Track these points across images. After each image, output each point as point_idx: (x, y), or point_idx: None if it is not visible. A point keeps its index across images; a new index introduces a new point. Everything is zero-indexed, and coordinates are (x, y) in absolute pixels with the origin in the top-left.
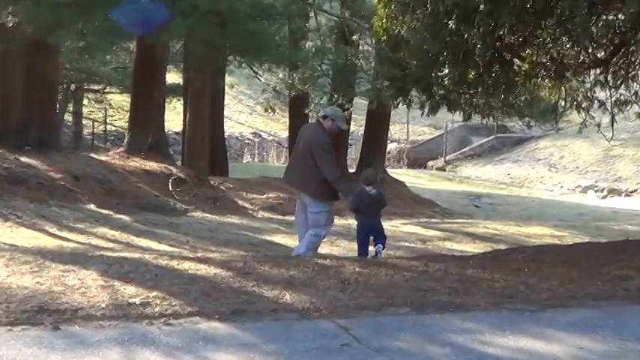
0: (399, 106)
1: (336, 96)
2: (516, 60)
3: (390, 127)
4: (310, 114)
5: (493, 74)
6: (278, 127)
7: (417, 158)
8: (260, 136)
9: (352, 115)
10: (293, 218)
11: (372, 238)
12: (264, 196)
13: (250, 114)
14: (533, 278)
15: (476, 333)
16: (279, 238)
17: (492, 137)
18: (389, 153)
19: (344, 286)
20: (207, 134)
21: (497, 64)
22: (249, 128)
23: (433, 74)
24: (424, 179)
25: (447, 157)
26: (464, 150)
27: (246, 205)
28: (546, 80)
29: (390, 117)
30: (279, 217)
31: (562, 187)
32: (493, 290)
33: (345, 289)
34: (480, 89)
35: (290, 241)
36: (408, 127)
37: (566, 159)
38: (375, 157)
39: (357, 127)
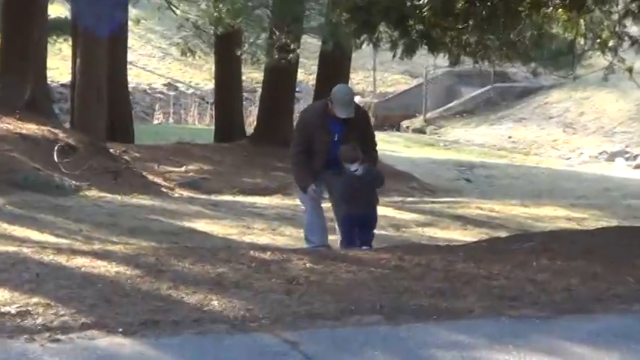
0: (363, 46)
1: (277, 33)
2: None
3: (352, 76)
4: (244, 58)
5: (489, 3)
6: (200, 76)
7: (388, 116)
8: (176, 88)
9: (300, 60)
10: (220, 197)
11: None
12: (183, 168)
13: (163, 59)
14: (543, 274)
15: (468, 348)
16: (203, 225)
17: (488, 88)
18: None
19: (291, 287)
20: (105, 86)
21: None
22: (162, 78)
23: (408, 2)
24: (397, 145)
25: (428, 115)
26: (450, 105)
27: (159, 180)
28: (560, 11)
29: (350, 62)
30: (203, 196)
31: (581, 153)
32: (490, 291)
33: (293, 292)
34: (471, 23)
35: (218, 228)
36: (375, 75)
37: (586, 116)
38: None
39: (307, 75)
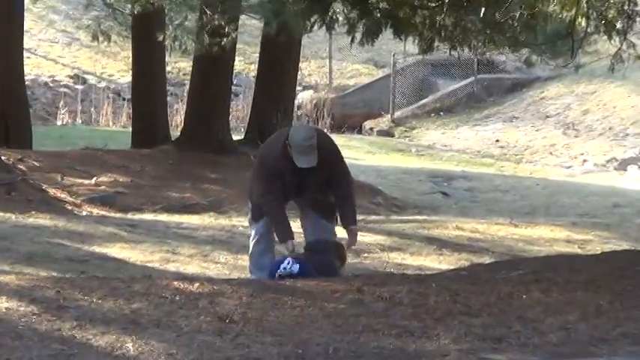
0: (314, 29)
1: (209, 14)
2: None
3: (303, 66)
4: (167, 44)
5: None
6: (115, 66)
7: (348, 115)
8: (85, 81)
9: (237, 46)
10: (139, 215)
11: None
12: (93, 180)
13: (69, 45)
14: (535, 309)
15: None
16: (117, 250)
17: (471, 80)
18: (299, 108)
19: (223, 326)
20: None
21: None
22: (67, 68)
23: None
24: (359, 150)
25: (397, 114)
26: (424, 101)
27: (63, 195)
28: None
29: (300, 48)
30: (118, 214)
31: (585, 161)
32: (469, 330)
33: (226, 332)
34: (446, 1)
35: (135, 253)
36: (332, 64)
37: (591, 115)
38: (274, 115)
39: (246, 64)
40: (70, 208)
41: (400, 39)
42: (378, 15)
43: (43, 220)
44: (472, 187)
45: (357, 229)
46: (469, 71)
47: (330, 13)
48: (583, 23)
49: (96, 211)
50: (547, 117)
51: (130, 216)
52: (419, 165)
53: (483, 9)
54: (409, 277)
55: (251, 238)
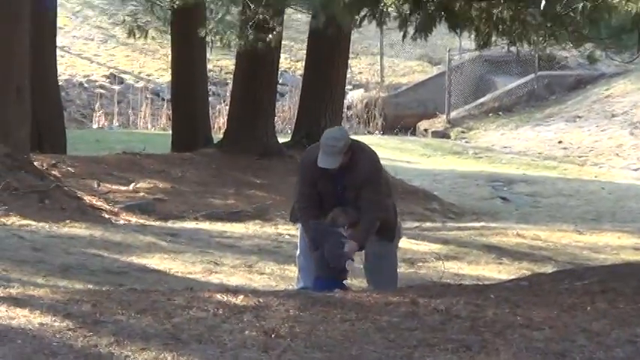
0: (363, 24)
1: (252, 7)
2: None
3: (352, 63)
4: (209, 40)
5: None
6: (153, 65)
7: (400, 116)
8: (122, 81)
9: (283, 42)
10: (180, 224)
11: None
12: (131, 187)
13: (104, 43)
14: (600, 322)
15: None
16: (156, 261)
17: (531, 77)
18: (349, 108)
19: (270, 341)
20: (27, 80)
21: None
22: (103, 68)
23: None
24: (413, 153)
25: (453, 114)
26: (482, 100)
27: (99, 203)
28: None
29: (349, 44)
30: (157, 223)
31: None
32: (531, 344)
33: (272, 348)
34: None
35: (176, 264)
36: (383, 61)
37: None
38: (322, 116)
39: (293, 62)
40: (106, 216)
41: (455, 33)
42: (432, 8)
43: (78, 229)
44: (533, 191)
45: (354, 245)
46: (529, 68)
47: (380, 6)
48: None
49: (134, 219)
50: (613, 116)
51: (170, 224)
52: (477, 168)
53: (544, 1)
54: (466, 288)
55: (299, 243)
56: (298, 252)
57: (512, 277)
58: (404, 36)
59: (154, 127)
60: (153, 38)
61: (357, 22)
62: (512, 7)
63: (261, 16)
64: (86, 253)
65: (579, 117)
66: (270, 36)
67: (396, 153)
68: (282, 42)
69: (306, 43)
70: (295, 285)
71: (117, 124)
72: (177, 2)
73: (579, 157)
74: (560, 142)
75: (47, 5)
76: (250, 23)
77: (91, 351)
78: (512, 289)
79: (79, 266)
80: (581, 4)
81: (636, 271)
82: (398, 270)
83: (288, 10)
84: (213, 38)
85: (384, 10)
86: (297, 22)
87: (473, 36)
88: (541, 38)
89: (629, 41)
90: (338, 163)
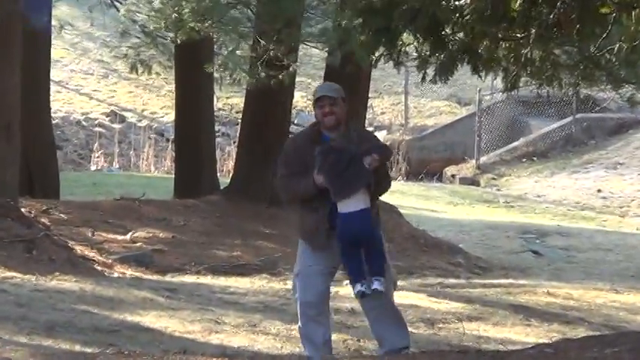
0: (381, 62)
1: (263, 43)
2: None
3: (374, 102)
4: (217, 77)
5: (558, 1)
6: (158, 102)
7: (426, 161)
8: (124, 119)
9: (297, 79)
10: (179, 278)
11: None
12: (128, 236)
13: (105, 77)
14: None
15: None
16: (152, 319)
17: (569, 120)
18: None
19: None
20: (18, 119)
21: None
22: (103, 105)
23: (443, 2)
24: (439, 201)
25: (483, 159)
26: (514, 145)
27: (92, 254)
28: None
29: (369, 82)
30: (155, 276)
31: None
32: None
33: None
34: (533, 31)
35: (174, 323)
36: (407, 101)
37: None
38: None
39: (309, 100)
40: (99, 268)
41: (479, 76)
42: (454, 48)
43: (67, 282)
44: (569, 244)
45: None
46: (566, 110)
47: (398, 46)
48: None
49: (129, 272)
50: None
51: (168, 278)
52: (507, 219)
53: (577, 41)
54: (486, 354)
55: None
56: (297, 270)
57: (540, 340)
58: (423, 78)
59: (157, 170)
60: (157, 74)
61: (374, 62)
62: (541, 47)
63: (272, 52)
64: (75, 309)
65: (620, 164)
66: (283, 73)
67: (420, 201)
68: (298, 79)
69: (321, 80)
70: (292, 296)
71: (117, 166)
72: (180, 37)
73: (620, 207)
74: (599, 190)
75: (34, 22)
76: (261, 60)
77: None
78: (535, 357)
79: (66, 324)
80: (617, 45)
81: None
82: (417, 331)
83: (304, 45)
84: (222, 74)
85: (402, 49)
86: (314, 57)
87: (498, 77)
88: (574, 80)
89: None
90: (337, 94)
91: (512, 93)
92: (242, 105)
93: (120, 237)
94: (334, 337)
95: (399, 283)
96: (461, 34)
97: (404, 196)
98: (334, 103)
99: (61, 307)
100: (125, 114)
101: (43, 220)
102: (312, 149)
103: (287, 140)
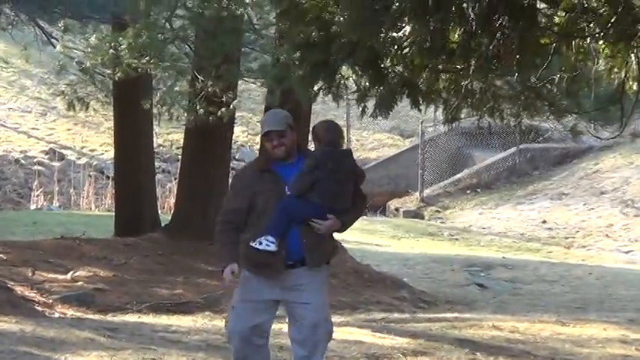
0: (319, 97)
1: (202, 79)
2: (542, 4)
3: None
4: (157, 111)
5: (498, 32)
6: (97, 139)
7: (369, 194)
8: (63, 157)
9: (237, 114)
10: (121, 317)
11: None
12: (68, 275)
13: (43, 115)
14: None
15: None
16: (95, 359)
17: (513, 151)
18: None
19: None
20: None
21: (506, 13)
22: (42, 143)
23: (382, 35)
24: (382, 235)
25: (427, 192)
26: (458, 177)
27: (32, 294)
28: (600, 43)
29: (310, 117)
30: (97, 316)
31: None
32: None
33: None
34: (472, 62)
35: None
36: (350, 134)
37: None
38: None
39: (250, 135)
40: (40, 309)
41: (418, 110)
42: (393, 81)
43: (7, 324)
44: (514, 277)
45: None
46: (510, 141)
47: (336, 80)
48: (634, 87)
49: (70, 312)
50: (602, 193)
51: (110, 318)
52: (452, 251)
53: (517, 72)
54: None
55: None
56: (234, 300)
57: None
58: (363, 111)
59: (98, 208)
60: (95, 111)
61: (312, 96)
62: (482, 78)
63: (210, 89)
64: (15, 351)
65: (565, 194)
66: (222, 110)
67: (363, 235)
68: (238, 114)
69: (261, 115)
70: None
71: (57, 204)
72: (118, 74)
73: (565, 238)
74: (544, 221)
75: None
76: (199, 96)
77: None
78: None
79: None
80: (558, 75)
81: None
82: None
83: (243, 80)
84: (160, 110)
85: (340, 83)
86: (254, 92)
87: (438, 110)
88: (515, 111)
89: (616, 113)
90: (284, 126)
91: (455, 124)
92: (182, 141)
93: (61, 276)
94: None
95: (342, 318)
96: (400, 67)
97: (348, 231)
98: (282, 135)
99: (0, 350)
100: (64, 152)
101: None
102: (261, 178)
103: (237, 170)
